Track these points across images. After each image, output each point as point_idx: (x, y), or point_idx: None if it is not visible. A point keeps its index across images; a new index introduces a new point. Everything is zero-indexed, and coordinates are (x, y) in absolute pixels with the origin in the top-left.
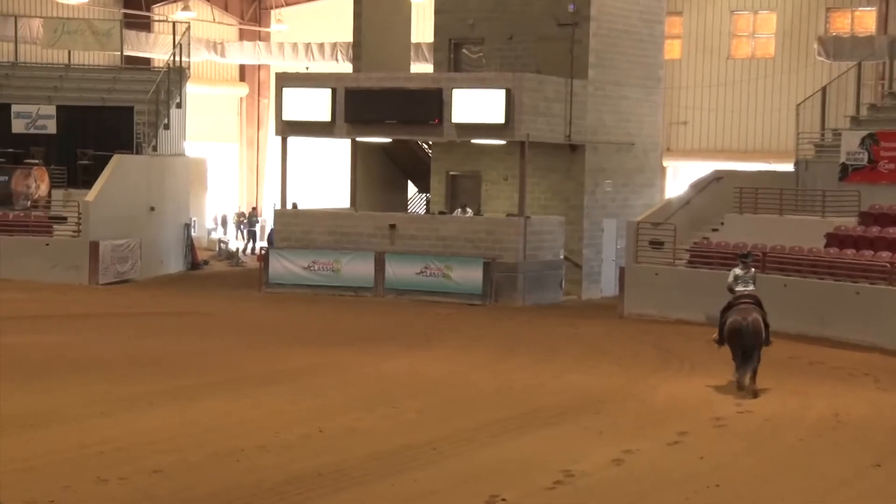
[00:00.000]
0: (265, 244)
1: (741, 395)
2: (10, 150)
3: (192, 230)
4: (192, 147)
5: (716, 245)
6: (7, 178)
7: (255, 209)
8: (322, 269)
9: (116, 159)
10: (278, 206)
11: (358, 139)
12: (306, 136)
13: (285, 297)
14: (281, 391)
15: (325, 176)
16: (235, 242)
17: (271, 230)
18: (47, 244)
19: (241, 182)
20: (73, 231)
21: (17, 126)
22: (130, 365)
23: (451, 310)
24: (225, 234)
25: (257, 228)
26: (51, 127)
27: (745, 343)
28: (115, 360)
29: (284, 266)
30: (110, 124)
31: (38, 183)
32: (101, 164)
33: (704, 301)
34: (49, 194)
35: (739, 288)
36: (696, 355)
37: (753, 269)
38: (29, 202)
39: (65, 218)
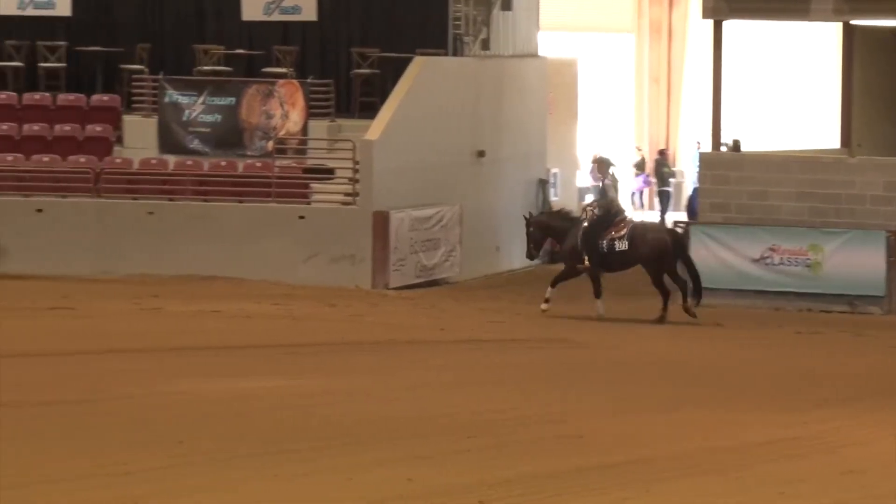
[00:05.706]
0: (681, 216)
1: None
2: (240, 51)
3: (553, 191)
4: (553, 41)
5: None
6: (234, 100)
7: (663, 152)
8: (788, 263)
9: (419, 65)
10: (706, 148)
11: (855, 23)
12: (757, 18)
13: (719, 312)
14: (719, 483)
15: (786, 93)
16: (633, 212)
17: (693, 191)
18: (301, 217)
19: (639, 103)
20: (346, 194)
21: (251, 9)
22: (444, 432)
23: None
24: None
25: (671, 187)
26: (308, 10)
27: (687, 256)
28: (420, 424)
29: (716, 255)
30: (408, 4)
31: (284, 109)
32: (392, 73)
33: None
34: (304, 128)
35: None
36: None
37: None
38: (269, 142)
39: (331, 171)
